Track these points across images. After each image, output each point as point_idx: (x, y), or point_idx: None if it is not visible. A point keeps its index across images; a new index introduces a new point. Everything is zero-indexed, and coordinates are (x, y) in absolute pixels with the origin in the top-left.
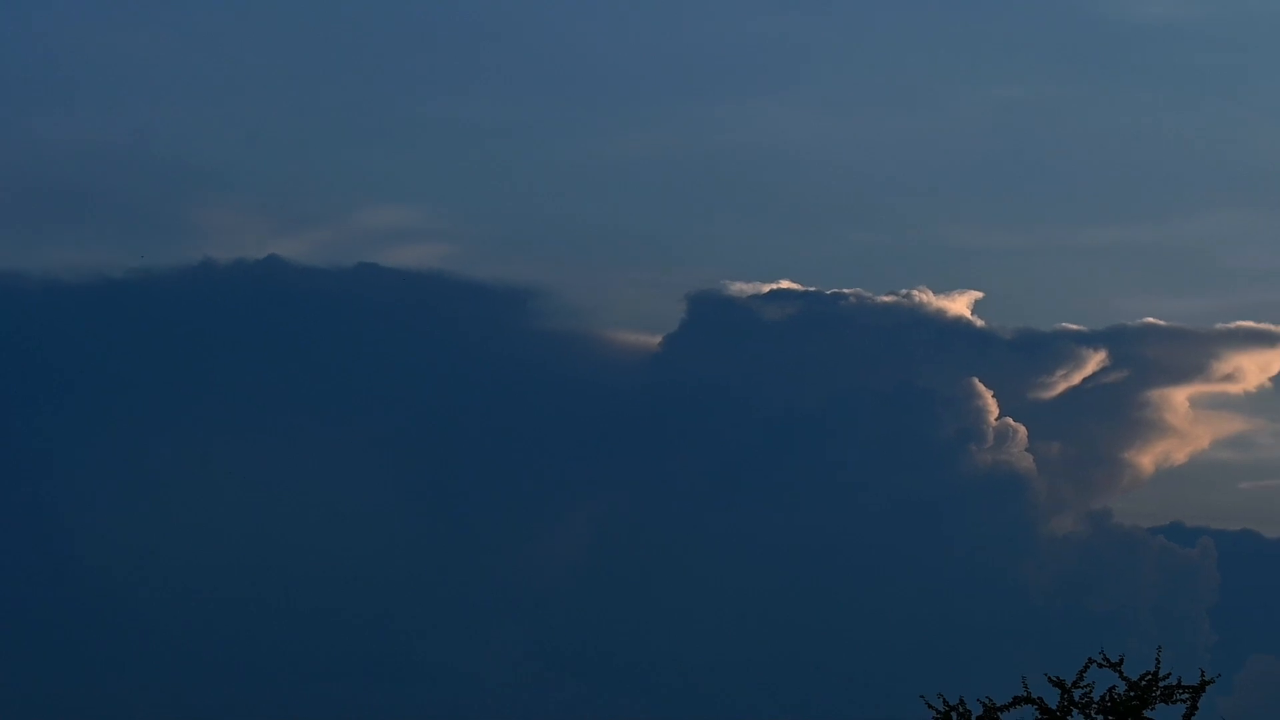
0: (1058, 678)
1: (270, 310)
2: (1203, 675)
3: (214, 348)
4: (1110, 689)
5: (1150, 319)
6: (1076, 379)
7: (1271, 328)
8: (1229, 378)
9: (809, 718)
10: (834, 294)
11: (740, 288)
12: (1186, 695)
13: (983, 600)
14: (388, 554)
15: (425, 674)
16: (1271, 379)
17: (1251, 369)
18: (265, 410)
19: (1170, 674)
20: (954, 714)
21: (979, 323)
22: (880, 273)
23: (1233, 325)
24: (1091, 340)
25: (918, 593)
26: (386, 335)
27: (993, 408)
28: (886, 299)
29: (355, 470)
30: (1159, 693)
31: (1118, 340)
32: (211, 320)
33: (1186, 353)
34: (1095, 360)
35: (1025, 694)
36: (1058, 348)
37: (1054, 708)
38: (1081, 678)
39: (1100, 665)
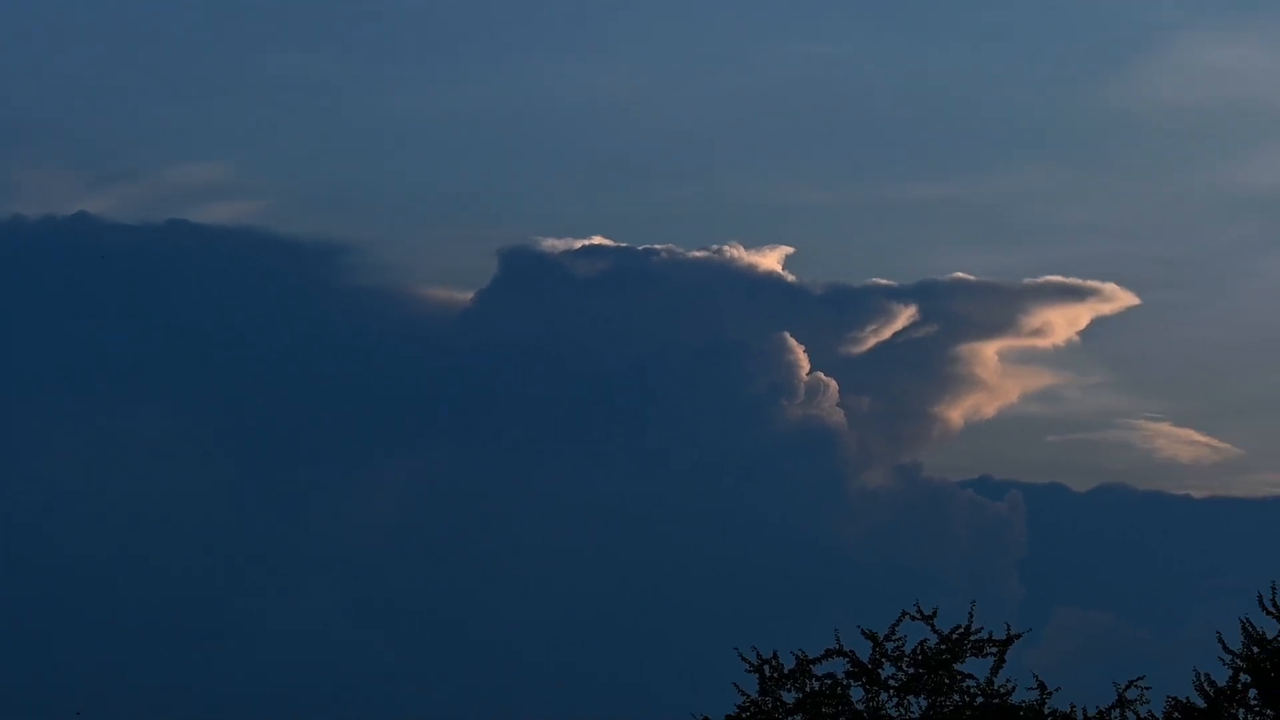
0: (870, 630)
1: (80, 267)
2: (1009, 629)
3: (24, 305)
4: (922, 642)
5: (960, 274)
6: (887, 334)
7: (1080, 282)
8: (1037, 332)
9: (622, 674)
10: (645, 250)
11: (552, 244)
12: (995, 647)
13: (794, 554)
14: (198, 510)
15: (235, 629)
16: (1080, 333)
17: (1060, 323)
18: (76, 367)
19: (982, 628)
20: (767, 667)
21: (790, 278)
22: (692, 228)
23: (1041, 280)
24: (902, 295)
25: (729, 547)
26: (198, 292)
27: (804, 363)
28: (698, 254)
29: (165, 427)
30: (970, 646)
31: (928, 295)
32: (21, 277)
33: (995, 307)
34: (905, 315)
35: (838, 647)
36: (868, 303)
37: (866, 660)
38: (894, 631)
39: (914, 618)
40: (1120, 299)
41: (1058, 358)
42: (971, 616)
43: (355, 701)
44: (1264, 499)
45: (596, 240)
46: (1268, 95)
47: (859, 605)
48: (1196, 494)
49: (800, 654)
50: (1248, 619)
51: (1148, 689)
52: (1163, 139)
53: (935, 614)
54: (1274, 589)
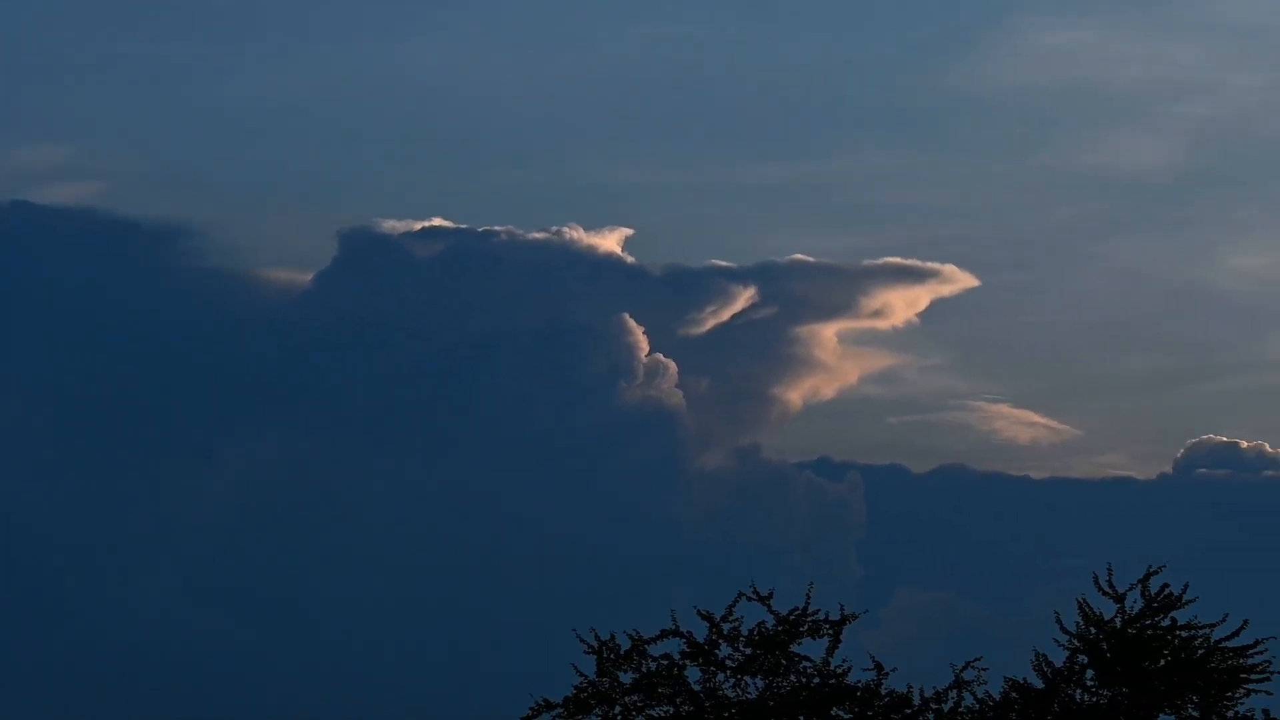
0: (707, 612)
1: None
2: (843, 610)
3: None
4: (759, 623)
5: (799, 256)
6: (726, 315)
7: (919, 264)
8: (877, 314)
9: (462, 654)
10: (485, 231)
11: (392, 225)
12: (831, 628)
13: (634, 536)
14: (37, 492)
15: (74, 612)
16: (919, 315)
17: (899, 305)
18: None
19: (819, 610)
20: (604, 649)
21: (629, 259)
22: (531, 210)
23: (880, 262)
24: (741, 277)
25: (569, 529)
26: (39, 274)
27: (643, 344)
28: (537, 236)
29: (3, 409)
30: (807, 627)
31: (767, 277)
32: None
33: (835, 289)
34: (745, 297)
35: (674, 628)
36: (708, 284)
37: (702, 641)
38: (731, 612)
39: (750, 599)
40: (960, 281)
41: (897, 339)
42: (808, 598)
43: (196, 682)
44: (1102, 480)
45: (436, 222)
46: (1108, 77)
47: (698, 587)
48: (1035, 475)
49: (636, 635)
50: (1085, 600)
51: (985, 669)
52: (1002, 121)
53: (771, 595)
54: (1110, 570)
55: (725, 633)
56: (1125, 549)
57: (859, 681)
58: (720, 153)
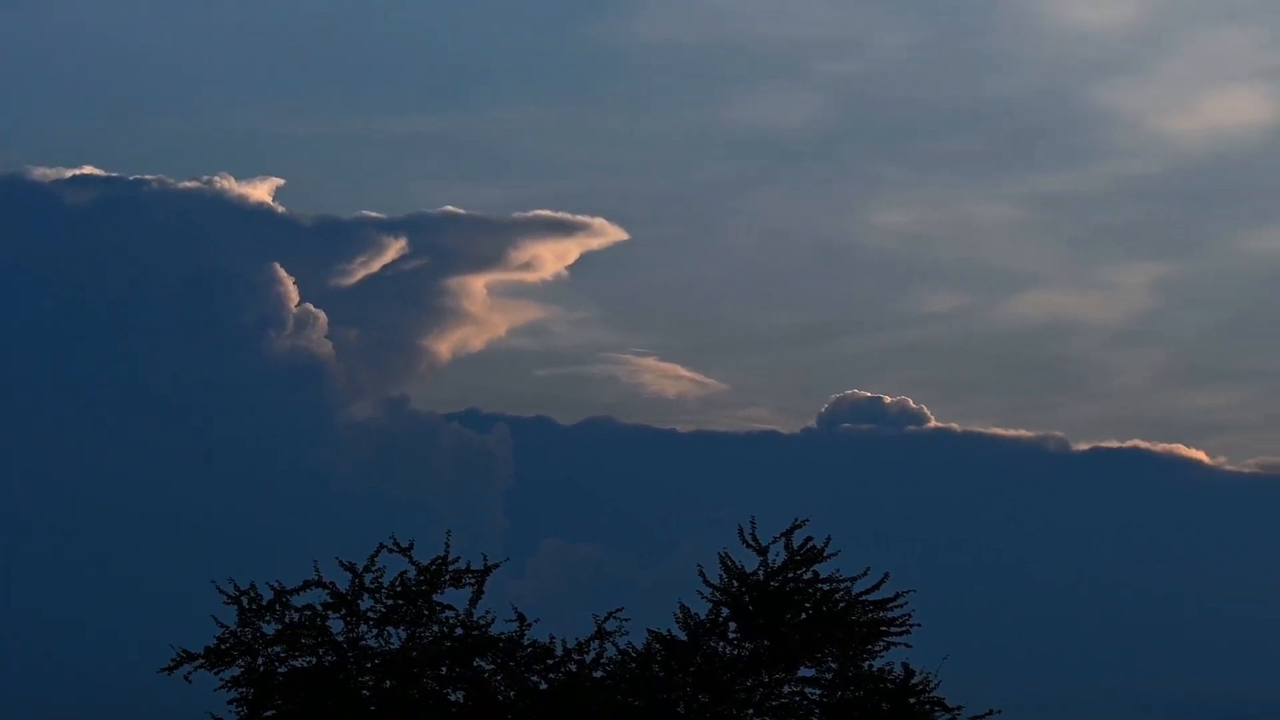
0: (349, 562)
1: None
2: (486, 560)
3: None
4: (401, 574)
5: (450, 208)
6: (376, 266)
7: (568, 217)
8: (526, 266)
9: (102, 608)
10: (136, 180)
11: (43, 173)
12: (474, 578)
13: (282, 487)
14: None
15: None
16: (568, 268)
17: (548, 258)
18: None
19: (460, 558)
20: (245, 599)
21: (280, 209)
22: (183, 159)
23: (530, 215)
24: (391, 228)
25: (215, 479)
26: None
27: (293, 294)
28: (188, 185)
29: None
30: (448, 577)
31: (417, 228)
32: None
33: (484, 241)
34: (395, 248)
35: (317, 578)
36: (358, 235)
37: (345, 592)
38: (373, 562)
39: (391, 550)
40: (609, 234)
41: (546, 292)
42: (448, 548)
43: None
44: (748, 434)
45: (87, 170)
46: (754, 34)
47: (346, 537)
48: (682, 428)
49: (278, 585)
50: (727, 553)
51: (628, 621)
52: (652, 76)
53: (412, 546)
54: (754, 523)
55: (367, 584)
56: (770, 502)
57: (502, 633)
58: (372, 104)
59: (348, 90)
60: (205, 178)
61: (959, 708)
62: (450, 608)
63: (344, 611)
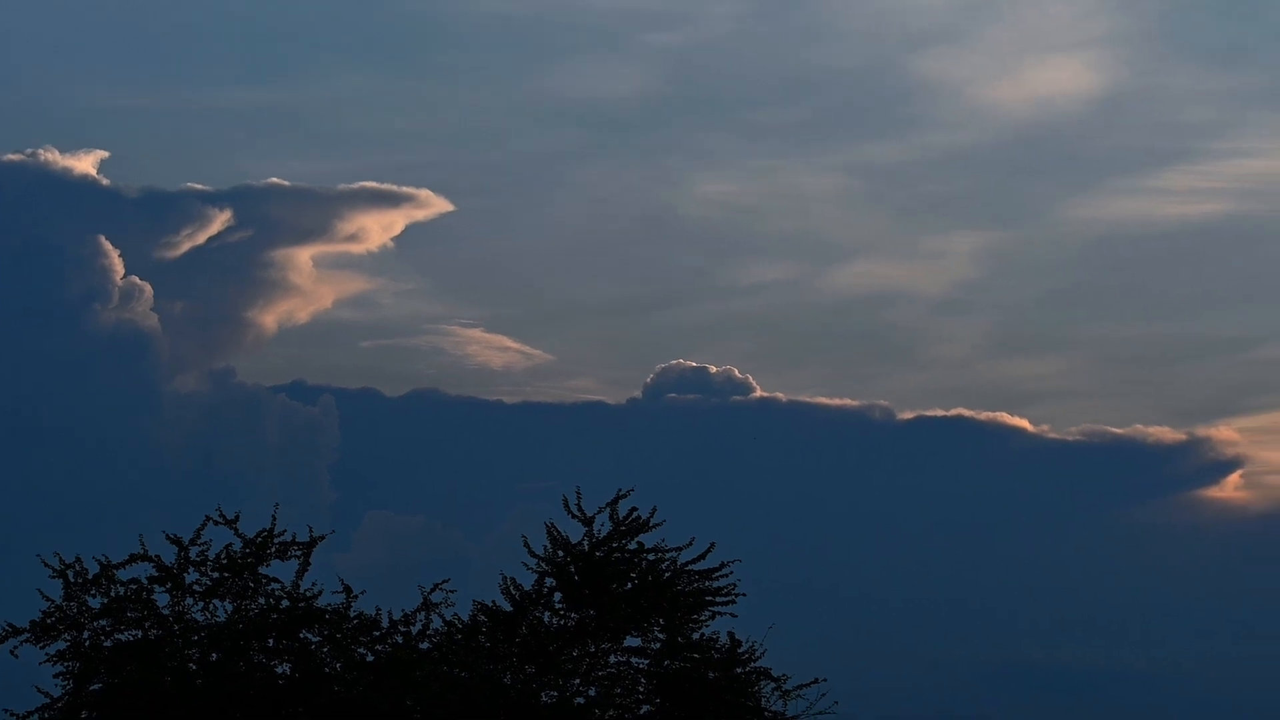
0: (175, 535)
1: None
2: (312, 532)
3: None
4: (227, 546)
5: (275, 179)
6: (201, 238)
7: (394, 188)
8: (352, 238)
9: None
10: None
11: None
12: (300, 550)
13: (108, 460)
14: None
15: None
16: (394, 239)
17: (374, 229)
18: None
19: (285, 531)
20: (70, 572)
21: (105, 182)
22: (6, 132)
23: (356, 186)
24: (217, 200)
25: (40, 453)
26: None
27: (118, 267)
28: (12, 158)
29: None
30: (274, 549)
31: (243, 200)
32: None
33: (310, 213)
34: (221, 220)
35: (142, 551)
36: (183, 207)
37: (171, 565)
38: (199, 535)
39: (216, 523)
40: (435, 205)
41: (372, 264)
42: (274, 520)
43: None
44: (574, 404)
45: None
46: (580, 5)
47: (173, 511)
48: (508, 400)
49: (104, 559)
50: (553, 523)
51: (454, 592)
52: (478, 47)
53: (238, 518)
54: (579, 494)
55: (193, 557)
56: (597, 472)
57: (329, 605)
58: (196, 76)
59: (172, 62)
60: (29, 150)
61: (785, 677)
62: (276, 580)
63: (170, 585)
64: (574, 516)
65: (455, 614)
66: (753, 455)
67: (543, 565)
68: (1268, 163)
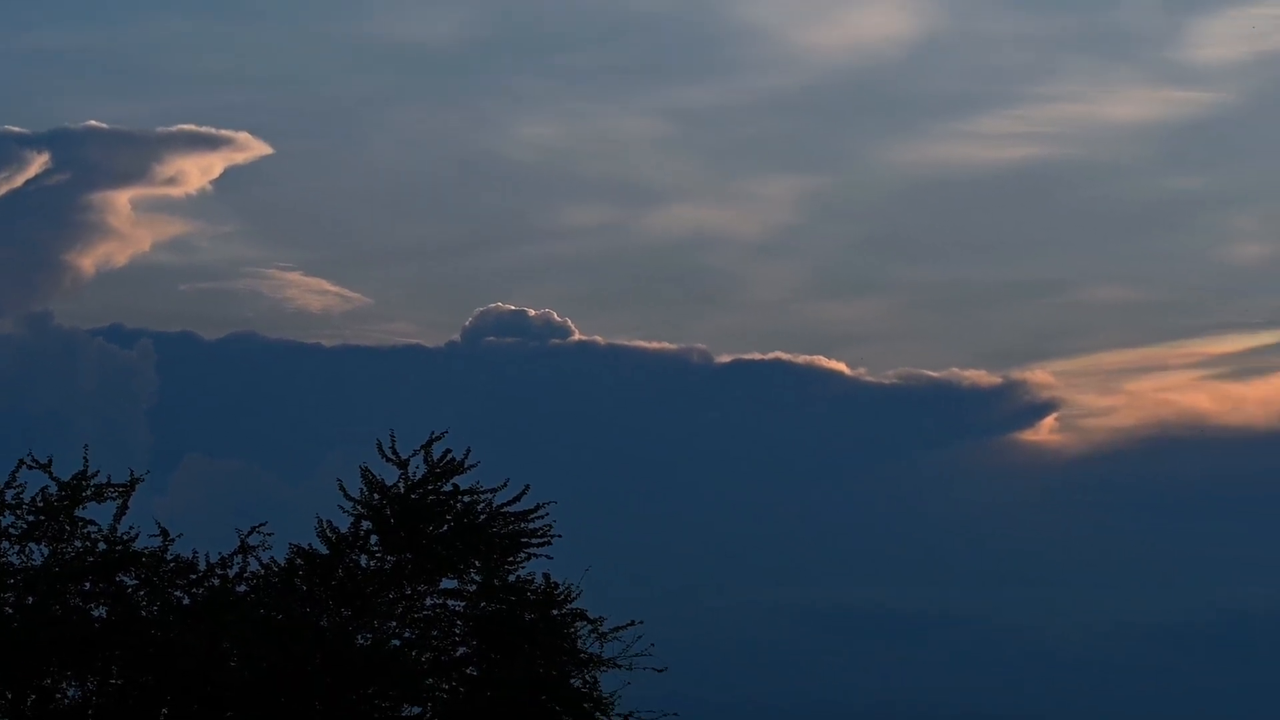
0: None
1: None
2: (132, 474)
3: None
4: (42, 489)
5: (93, 122)
6: (19, 181)
7: (212, 131)
8: (171, 181)
9: None
10: None
11: None
12: (117, 493)
13: None
14: None
15: None
16: (213, 182)
17: (193, 172)
18: None
19: (99, 472)
20: None
21: None
22: None
23: (175, 129)
24: (33, 142)
25: None
26: None
27: None
28: None
29: None
30: (90, 492)
31: (60, 143)
32: None
33: (128, 156)
34: (38, 163)
35: None
36: None
37: None
38: (14, 478)
39: (30, 466)
40: (254, 148)
41: (191, 206)
42: (87, 462)
43: None
44: (393, 347)
45: None
46: None
47: None
48: (327, 343)
49: None
50: (367, 466)
51: (271, 535)
52: None
53: (51, 462)
54: (393, 436)
55: (8, 500)
56: (415, 415)
57: (145, 548)
58: (11, 19)
59: None
60: None
61: (601, 619)
62: (93, 523)
63: None
64: (388, 460)
65: (272, 557)
66: (571, 398)
67: (358, 508)
68: (1082, 107)
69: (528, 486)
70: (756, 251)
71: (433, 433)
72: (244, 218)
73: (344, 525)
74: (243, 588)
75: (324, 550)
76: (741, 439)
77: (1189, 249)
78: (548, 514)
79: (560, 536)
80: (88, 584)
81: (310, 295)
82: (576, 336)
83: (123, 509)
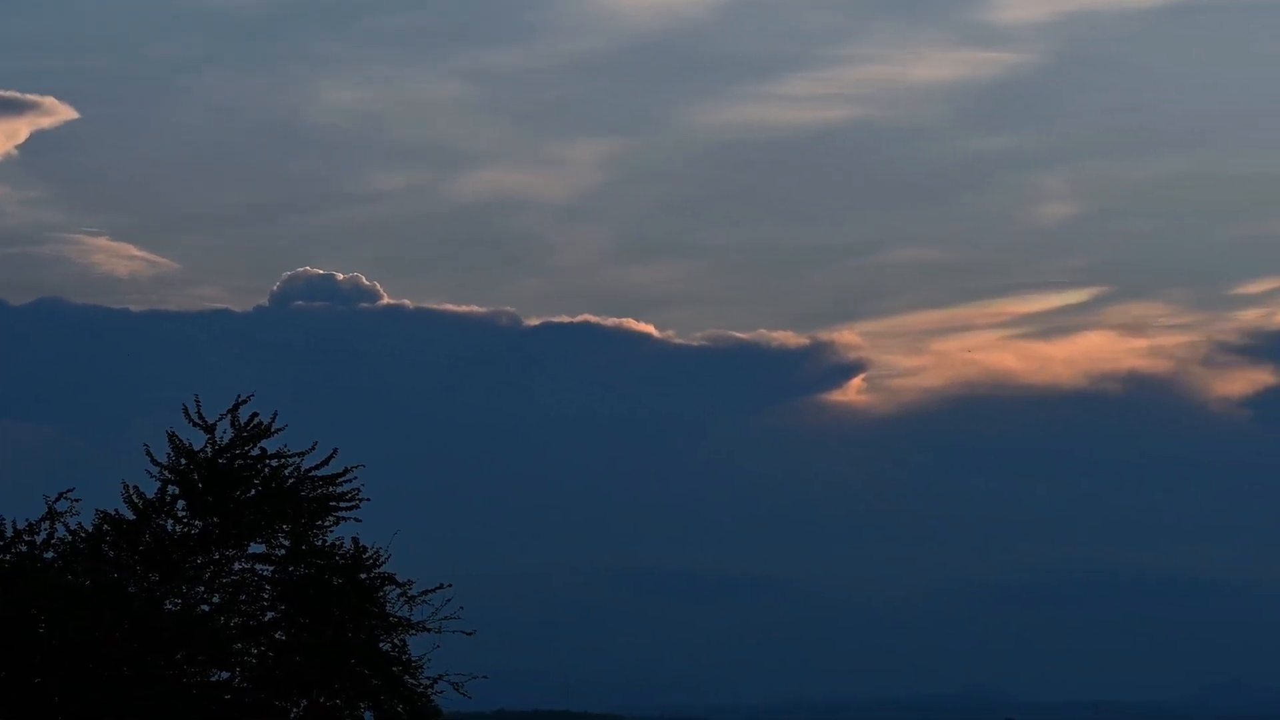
0: None
1: None
2: None
3: None
4: None
5: None
6: None
7: (18, 95)
8: None
9: None
10: None
11: None
12: None
13: None
14: None
15: None
16: (18, 147)
17: None
18: None
19: None
20: None
21: None
22: None
23: None
24: None
25: None
26: None
27: None
28: None
29: None
30: None
31: None
32: None
33: None
34: None
35: None
36: None
37: None
38: None
39: None
40: (60, 113)
41: None
42: None
43: None
44: (199, 312)
45: None
46: None
47: None
48: (135, 308)
49: None
50: (174, 431)
51: (78, 501)
52: None
53: None
54: (199, 401)
55: None
56: (224, 380)
57: None
58: None
59: None
60: None
61: (410, 582)
62: None
63: None
64: (195, 424)
65: (80, 523)
66: (380, 361)
67: (165, 474)
68: (890, 69)
69: (336, 450)
70: (564, 214)
71: (239, 396)
72: (50, 183)
73: (151, 491)
74: (50, 554)
75: (131, 516)
76: (550, 400)
77: (994, 210)
78: (356, 478)
79: (369, 500)
80: None
81: (118, 260)
82: (385, 300)
83: None
